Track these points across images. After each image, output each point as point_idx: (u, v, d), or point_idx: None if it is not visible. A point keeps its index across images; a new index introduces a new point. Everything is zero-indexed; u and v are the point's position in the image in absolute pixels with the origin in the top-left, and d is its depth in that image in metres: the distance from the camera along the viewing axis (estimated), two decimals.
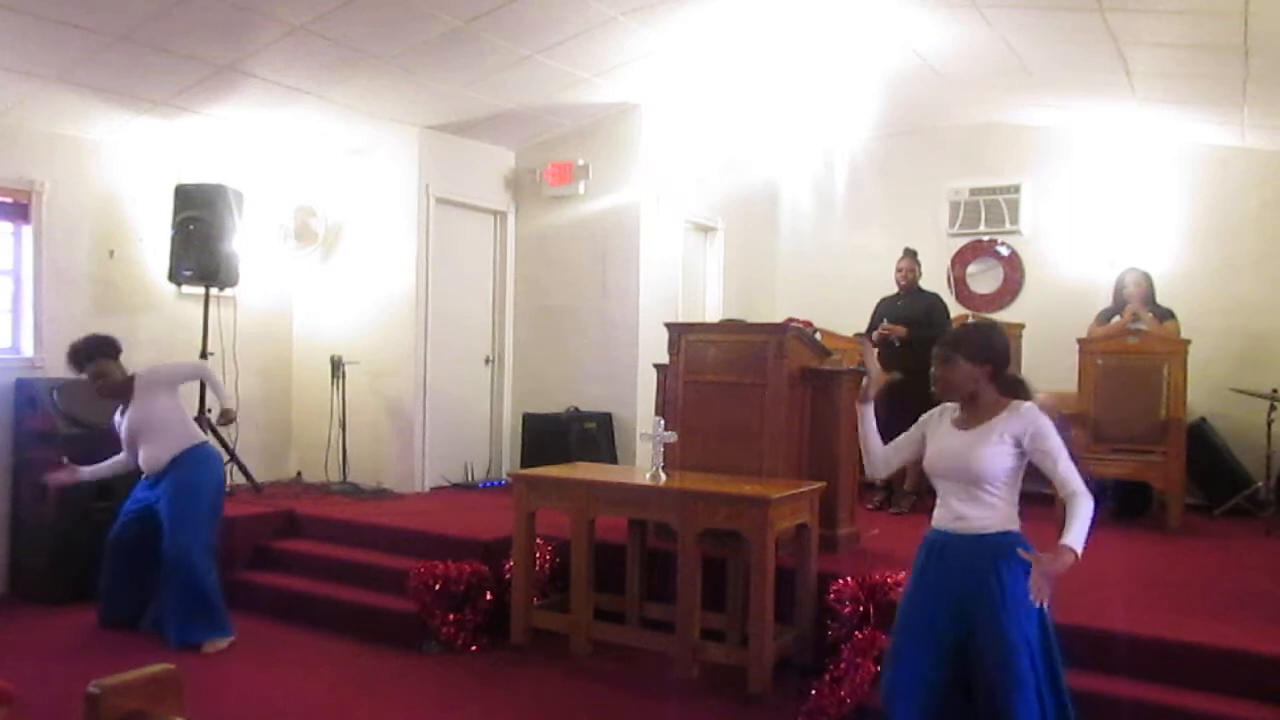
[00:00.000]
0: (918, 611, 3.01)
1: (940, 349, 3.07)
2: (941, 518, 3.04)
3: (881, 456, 3.26)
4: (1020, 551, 2.84)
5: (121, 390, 4.82)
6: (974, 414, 3.02)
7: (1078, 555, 2.78)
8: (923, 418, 3.20)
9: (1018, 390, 3.03)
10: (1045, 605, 2.85)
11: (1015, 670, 2.80)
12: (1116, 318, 6.65)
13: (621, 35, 5.70)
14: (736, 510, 4.12)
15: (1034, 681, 2.82)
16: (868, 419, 3.27)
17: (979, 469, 2.92)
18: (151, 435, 4.77)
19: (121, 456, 4.92)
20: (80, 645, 4.74)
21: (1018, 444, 2.94)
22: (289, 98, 5.94)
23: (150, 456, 4.78)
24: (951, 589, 2.93)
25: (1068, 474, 2.90)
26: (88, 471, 4.89)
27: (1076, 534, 2.81)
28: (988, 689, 2.84)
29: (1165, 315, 6.57)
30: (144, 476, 4.87)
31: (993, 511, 2.93)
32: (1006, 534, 2.92)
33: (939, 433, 3.10)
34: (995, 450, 2.92)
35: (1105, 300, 6.98)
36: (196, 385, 6.03)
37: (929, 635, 2.96)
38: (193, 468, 4.78)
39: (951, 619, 2.92)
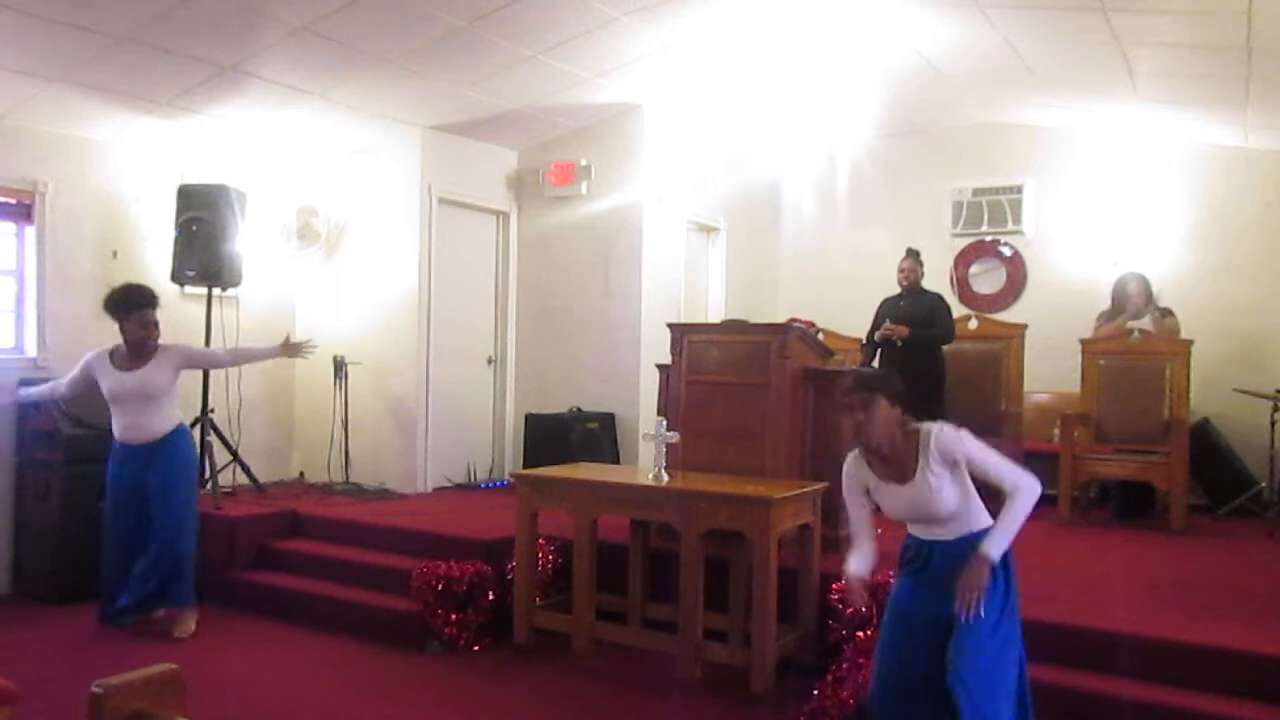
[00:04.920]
0: (898, 611, 3.03)
1: (857, 391, 2.92)
2: (917, 531, 3.02)
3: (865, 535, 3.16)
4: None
5: (144, 348, 4.81)
6: (896, 463, 2.92)
7: (992, 563, 2.79)
8: (847, 473, 3.08)
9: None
10: (1016, 604, 2.90)
11: (983, 668, 2.81)
12: (1119, 318, 6.69)
13: (623, 35, 5.70)
14: (739, 510, 4.12)
15: (1005, 680, 2.83)
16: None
17: (945, 513, 2.89)
18: (151, 405, 4.79)
19: (57, 386, 4.96)
20: (83, 645, 4.75)
21: (953, 466, 2.88)
22: (291, 98, 5.95)
23: (139, 425, 4.79)
24: (936, 584, 2.93)
25: (1000, 473, 2.86)
26: (23, 392, 5.13)
27: (996, 540, 2.82)
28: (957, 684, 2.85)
29: (1165, 313, 6.61)
30: (116, 443, 4.88)
31: (963, 518, 2.92)
32: (977, 534, 2.91)
33: (877, 485, 3.00)
34: (944, 492, 2.87)
35: (1108, 301, 6.99)
36: (199, 381, 6.09)
37: (909, 630, 2.98)
38: (184, 445, 4.96)
39: (932, 613, 2.93)
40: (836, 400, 2.90)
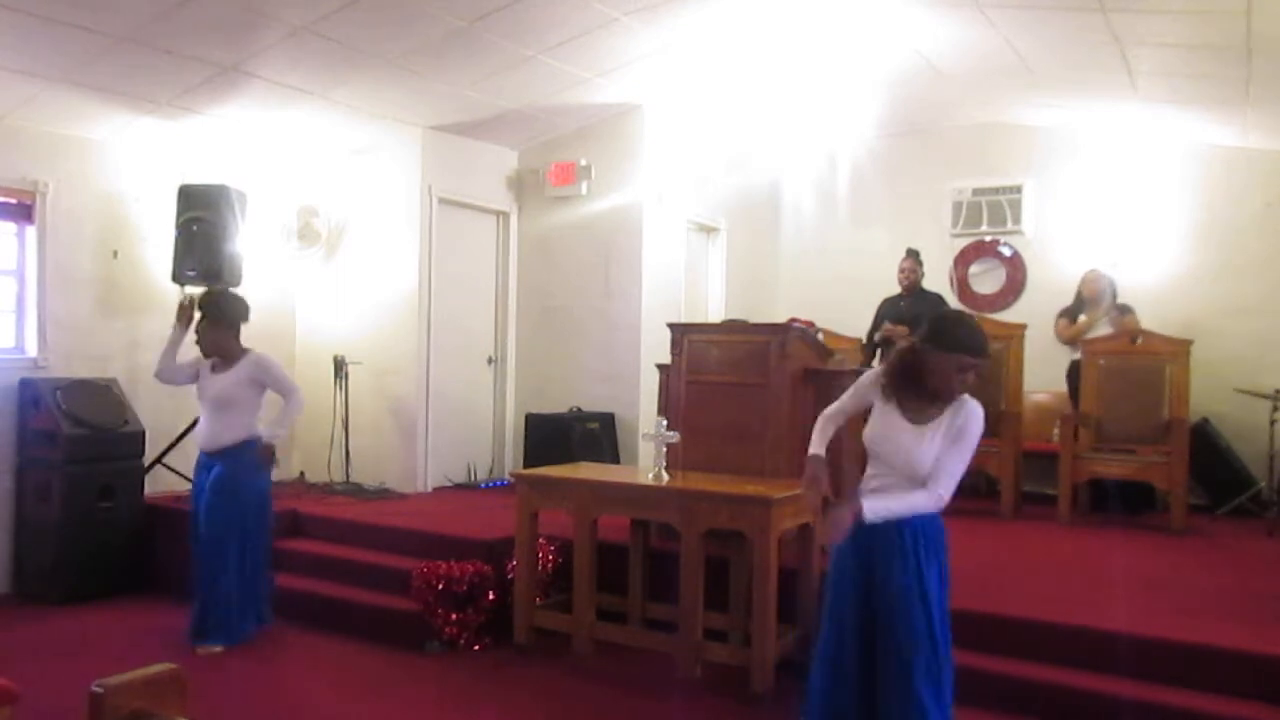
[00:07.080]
0: (838, 587, 3.08)
1: (984, 358, 2.95)
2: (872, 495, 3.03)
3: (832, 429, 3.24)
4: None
5: (224, 353, 4.81)
6: (930, 410, 2.97)
7: (860, 514, 2.86)
8: (862, 385, 3.13)
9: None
10: (941, 589, 2.98)
11: (915, 659, 2.89)
12: (1082, 316, 6.75)
13: (624, 35, 5.70)
14: (739, 510, 4.12)
15: (932, 667, 2.90)
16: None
17: (922, 469, 2.91)
18: (224, 413, 4.74)
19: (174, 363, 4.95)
20: (83, 645, 4.75)
21: (947, 433, 2.93)
22: (292, 98, 5.95)
23: (212, 432, 4.77)
24: (872, 565, 2.99)
25: (941, 468, 2.89)
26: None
27: (884, 504, 2.90)
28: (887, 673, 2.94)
29: (1124, 310, 6.66)
30: (200, 452, 4.88)
31: (919, 497, 2.95)
32: (913, 522, 2.95)
33: (884, 411, 3.03)
34: (935, 454, 2.92)
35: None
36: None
37: (847, 609, 3.03)
38: (240, 466, 4.73)
39: (866, 591, 2.99)
40: (963, 361, 2.91)
